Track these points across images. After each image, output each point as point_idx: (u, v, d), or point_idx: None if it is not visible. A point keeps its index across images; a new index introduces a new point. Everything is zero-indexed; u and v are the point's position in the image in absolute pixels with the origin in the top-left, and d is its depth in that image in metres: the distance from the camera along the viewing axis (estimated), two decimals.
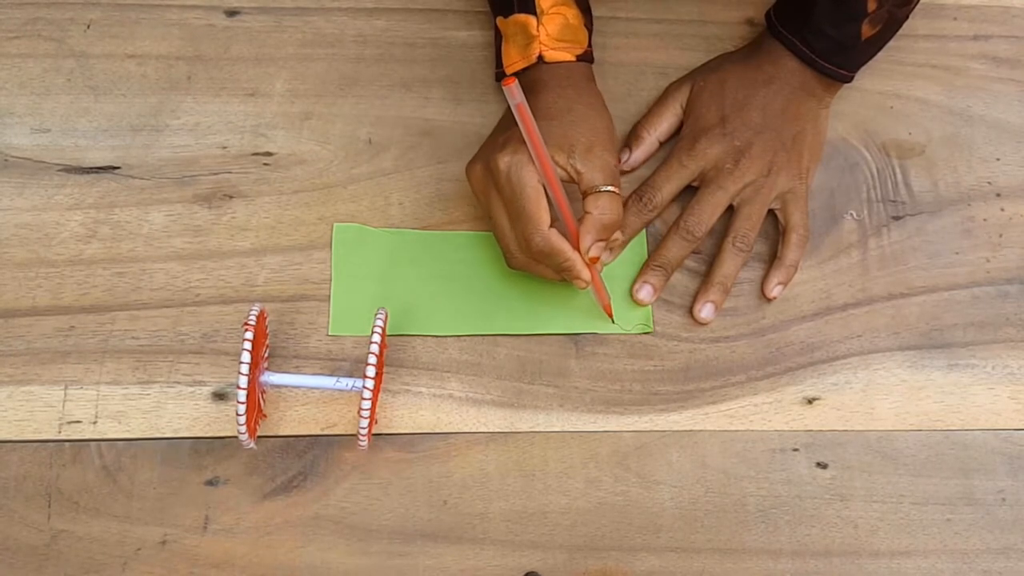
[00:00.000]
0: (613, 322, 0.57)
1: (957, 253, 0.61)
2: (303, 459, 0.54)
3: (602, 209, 0.52)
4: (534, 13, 0.56)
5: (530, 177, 0.50)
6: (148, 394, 0.54)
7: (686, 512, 0.54)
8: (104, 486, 0.52)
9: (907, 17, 0.58)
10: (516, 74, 0.56)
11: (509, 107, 0.49)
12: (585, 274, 0.52)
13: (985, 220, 0.62)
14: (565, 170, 0.52)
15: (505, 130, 0.54)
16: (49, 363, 0.54)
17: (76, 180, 0.58)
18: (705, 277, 0.58)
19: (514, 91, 0.47)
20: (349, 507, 0.53)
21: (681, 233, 0.57)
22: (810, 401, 0.57)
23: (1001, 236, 0.62)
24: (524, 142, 0.50)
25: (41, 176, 0.58)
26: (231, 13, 0.63)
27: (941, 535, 0.55)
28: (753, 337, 0.58)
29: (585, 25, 0.58)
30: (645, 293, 0.57)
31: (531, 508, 0.54)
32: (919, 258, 0.61)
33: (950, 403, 0.57)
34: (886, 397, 0.57)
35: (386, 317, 0.51)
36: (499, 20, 0.58)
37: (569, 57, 0.56)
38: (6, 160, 0.59)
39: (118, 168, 0.59)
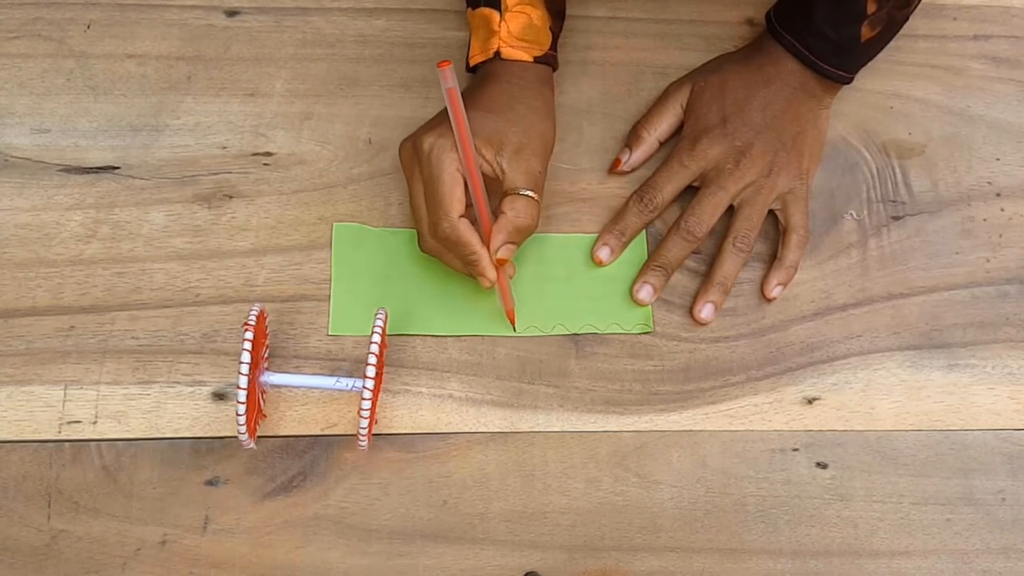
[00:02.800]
0: (515, 331, 0.57)
1: (957, 253, 0.61)
2: (303, 459, 0.54)
3: (518, 212, 0.52)
4: (498, 9, 0.56)
5: (450, 163, 0.50)
6: (148, 394, 0.54)
7: (686, 512, 0.54)
8: (104, 486, 0.52)
9: (907, 19, 0.58)
10: (475, 67, 0.56)
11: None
12: (491, 273, 0.52)
13: (985, 220, 0.62)
14: (491, 166, 0.52)
15: (444, 114, 0.53)
16: (49, 363, 0.54)
17: (76, 180, 0.58)
18: (705, 277, 0.58)
19: (447, 75, 0.47)
20: (349, 507, 0.53)
21: (681, 233, 0.57)
22: (810, 401, 0.57)
23: (1001, 236, 0.62)
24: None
25: (41, 176, 0.58)
26: (231, 13, 0.63)
27: (941, 535, 0.55)
28: (753, 337, 0.58)
29: (551, 28, 0.58)
30: (645, 293, 0.57)
31: (531, 508, 0.54)
32: (919, 258, 0.61)
33: (950, 403, 0.57)
34: (886, 397, 0.57)
35: (386, 317, 0.51)
36: (468, 12, 0.58)
37: (526, 57, 0.56)
38: (6, 160, 0.59)
39: (118, 168, 0.59)
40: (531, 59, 0.56)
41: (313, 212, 0.59)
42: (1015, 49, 0.67)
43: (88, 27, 0.62)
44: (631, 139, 0.61)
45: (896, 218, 0.62)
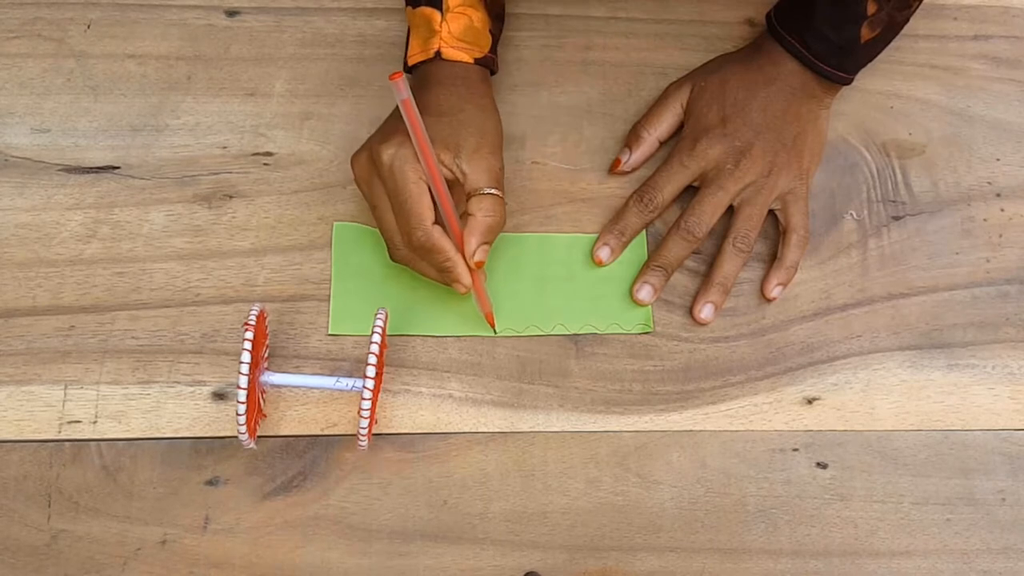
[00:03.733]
0: (495, 332, 0.56)
1: (957, 253, 0.61)
2: (303, 459, 0.54)
3: (486, 211, 0.52)
4: (440, 9, 0.55)
5: (413, 172, 0.50)
6: (148, 394, 0.54)
7: (686, 512, 0.54)
8: (104, 486, 0.52)
9: (907, 20, 0.58)
10: (414, 67, 0.56)
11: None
12: (466, 278, 0.52)
13: (985, 220, 0.62)
14: (450, 170, 0.52)
15: (395, 121, 0.53)
16: (49, 363, 0.54)
17: (76, 180, 0.58)
18: (705, 277, 0.58)
19: (401, 86, 0.46)
20: (349, 507, 0.53)
21: (681, 233, 0.57)
22: (810, 401, 0.57)
23: (1001, 236, 0.62)
24: (410, 137, 0.50)
25: (41, 176, 0.58)
26: (231, 13, 0.63)
27: (941, 535, 0.55)
28: (753, 337, 0.58)
29: (491, 31, 0.57)
30: (645, 293, 0.57)
31: (531, 508, 0.54)
32: (919, 258, 0.61)
33: (950, 403, 0.57)
34: (886, 397, 0.57)
35: (386, 317, 0.51)
36: (408, 10, 0.57)
37: (467, 58, 0.56)
38: (6, 160, 0.59)
39: (118, 168, 0.59)
40: (471, 60, 0.56)
41: (313, 212, 0.59)
42: (1015, 49, 0.67)
43: (88, 27, 0.62)
44: (631, 139, 0.61)
45: (896, 218, 0.62)
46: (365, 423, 0.49)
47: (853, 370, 0.58)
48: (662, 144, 0.61)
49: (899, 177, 0.63)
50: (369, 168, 0.52)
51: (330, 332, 0.56)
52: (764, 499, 0.55)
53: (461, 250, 0.52)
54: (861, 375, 0.57)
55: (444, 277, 0.52)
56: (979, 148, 0.64)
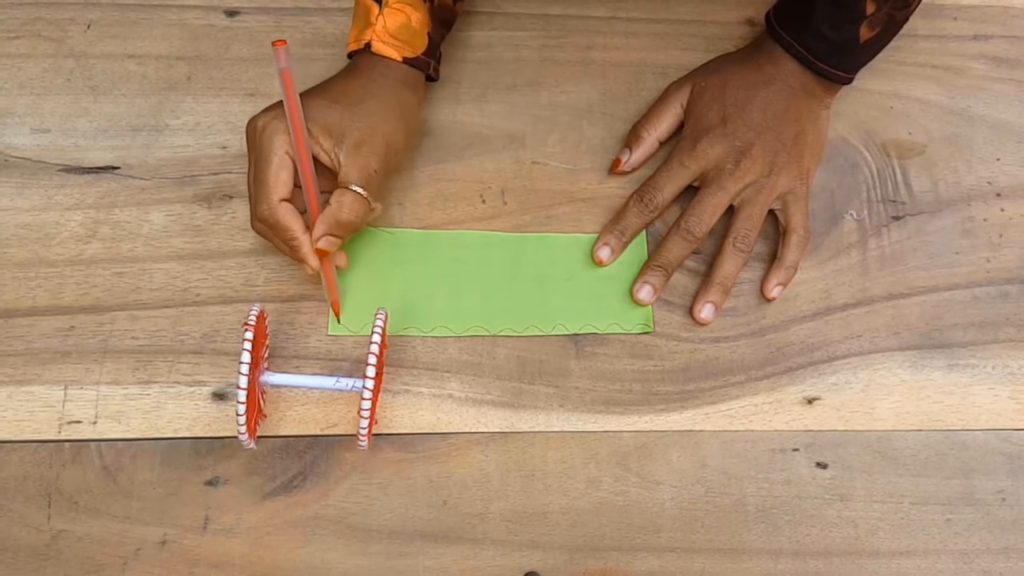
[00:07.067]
0: (339, 322, 0.56)
1: (957, 253, 0.61)
2: (303, 459, 0.54)
3: (344, 206, 0.51)
4: (379, 2, 0.55)
5: (279, 146, 0.50)
6: (148, 394, 0.54)
7: (686, 512, 0.54)
8: (104, 486, 0.52)
9: (906, 20, 0.58)
10: (350, 55, 0.56)
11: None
12: (312, 260, 0.52)
13: (985, 220, 0.62)
14: (328, 156, 0.52)
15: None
16: (49, 363, 0.54)
17: (76, 180, 0.58)
18: (705, 277, 0.58)
19: (281, 54, 0.46)
20: (349, 507, 0.53)
21: (681, 233, 0.57)
22: (810, 401, 0.57)
23: (1001, 236, 0.62)
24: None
25: (41, 176, 0.58)
26: (231, 13, 0.63)
27: (941, 535, 0.55)
28: (753, 337, 0.58)
29: (430, 34, 0.57)
30: (645, 293, 0.57)
31: (531, 508, 0.54)
32: (919, 258, 0.61)
33: (950, 403, 0.57)
34: (886, 397, 0.57)
35: (386, 317, 0.51)
36: None
37: (396, 56, 0.55)
38: (6, 160, 0.59)
39: (118, 168, 0.59)
40: (400, 59, 0.56)
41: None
42: (1015, 49, 0.67)
43: (88, 27, 0.62)
44: (631, 139, 0.61)
45: (896, 218, 0.62)
46: (365, 423, 0.49)
47: (853, 370, 0.58)
48: (662, 144, 0.61)
49: (899, 177, 0.63)
50: (250, 134, 0.52)
51: (329, 333, 0.56)
52: (764, 499, 0.55)
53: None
54: (861, 375, 0.57)
55: (293, 256, 0.52)
56: (979, 148, 0.64)
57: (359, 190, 0.51)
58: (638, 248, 0.59)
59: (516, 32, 0.65)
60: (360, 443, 0.50)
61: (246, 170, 0.53)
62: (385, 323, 0.51)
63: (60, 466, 0.52)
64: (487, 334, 0.57)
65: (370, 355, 0.48)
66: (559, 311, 0.58)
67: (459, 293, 0.57)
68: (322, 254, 0.52)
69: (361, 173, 0.52)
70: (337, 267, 0.55)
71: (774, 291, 0.58)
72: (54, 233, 0.57)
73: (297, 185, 0.52)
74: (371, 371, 0.48)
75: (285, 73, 0.47)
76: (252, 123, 0.52)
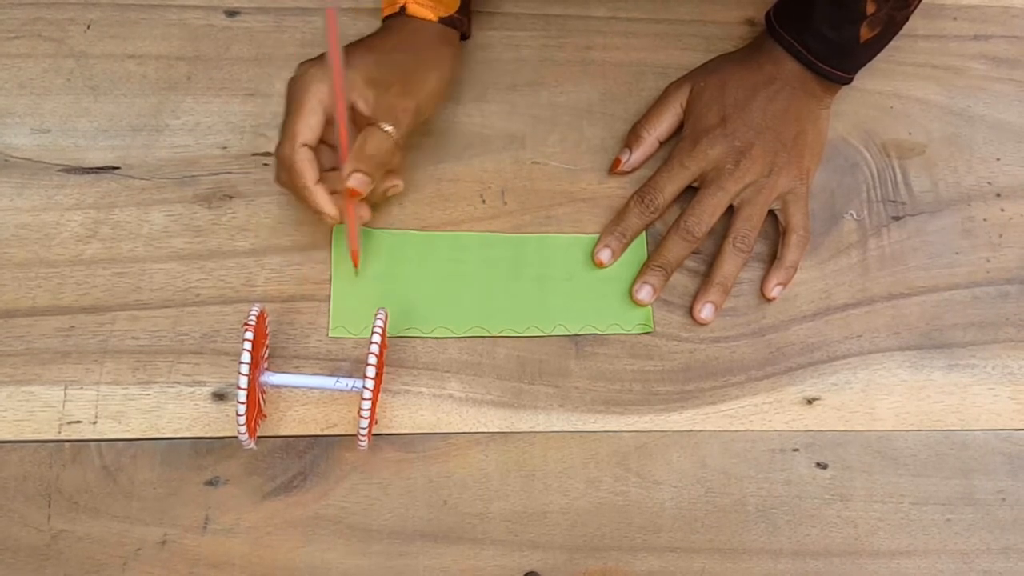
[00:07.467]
0: (356, 274, 0.56)
1: (957, 253, 0.61)
2: (303, 459, 0.54)
3: (373, 142, 0.51)
4: None
5: (313, 93, 0.51)
6: (148, 394, 0.54)
7: (686, 512, 0.54)
8: (104, 486, 0.52)
9: (906, 20, 0.58)
10: (385, 20, 0.57)
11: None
12: (328, 208, 0.52)
13: (985, 220, 0.62)
14: (364, 103, 0.52)
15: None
16: (49, 363, 0.54)
17: (76, 180, 0.58)
18: (705, 277, 0.58)
19: None
20: (349, 507, 0.53)
21: (681, 233, 0.57)
22: (810, 401, 0.57)
23: (1001, 236, 0.62)
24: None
25: (41, 176, 0.58)
26: (231, 13, 0.63)
27: (941, 535, 0.55)
28: (753, 337, 0.58)
29: None
30: (645, 293, 0.57)
31: (531, 508, 0.54)
32: (919, 258, 0.61)
33: (950, 403, 0.57)
34: (886, 397, 0.57)
35: (386, 317, 0.51)
36: None
37: (431, 16, 0.56)
38: (6, 160, 0.59)
39: (118, 168, 0.59)
40: (436, 19, 0.57)
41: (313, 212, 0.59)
42: (1015, 49, 0.67)
43: (88, 27, 0.62)
44: (631, 139, 0.61)
45: (896, 218, 0.62)
46: (365, 423, 0.49)
47: (853, 370, 0.58)
48: (662, 144, 0.61)
49: (899, 177, 0.63)
50: (289, 85, 0.53)
51: (330, 334, 0.56)
52: (764, 499, 0.55)
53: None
54: (861, 375, 0.57)
55: (305, 205, 0.52)
56: (979, 148, 0.64)
57: (388, 128, 0.52)
58: (638, 249, 0.59)
59: (516, 32, 0.65)
60: (360, 443, 0.50)
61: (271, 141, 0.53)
62: (385, 323, 0.51)
63: (60, 466, 0.52)
64: (487, 335, 0.57)
65: (370, 355, 0.48)
66: (559, 311, 0.58)
67: (459, 294, 0.57)
68: (352, 195, 0.52)
69: (390, 113, 0.52)
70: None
71: (774, 291, 0.58)
72: (54, 233, 0.57)
73: (323, 142, 0.52)
74: (371, 371, 0.48)
75: (330, 13, 0.46)
76: (296, 71, 0.53)
